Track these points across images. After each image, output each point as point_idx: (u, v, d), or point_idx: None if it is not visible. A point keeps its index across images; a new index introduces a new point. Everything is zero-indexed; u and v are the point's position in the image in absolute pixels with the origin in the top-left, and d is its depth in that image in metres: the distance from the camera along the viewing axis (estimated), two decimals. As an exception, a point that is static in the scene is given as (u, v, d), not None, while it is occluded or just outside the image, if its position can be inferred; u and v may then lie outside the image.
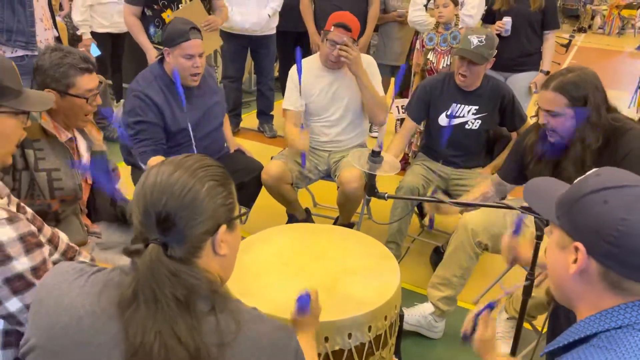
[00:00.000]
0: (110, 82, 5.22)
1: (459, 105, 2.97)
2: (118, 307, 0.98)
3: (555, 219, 1.07)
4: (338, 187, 3.04)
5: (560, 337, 1.04)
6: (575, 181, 1.07)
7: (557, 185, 1.16)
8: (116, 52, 5.10)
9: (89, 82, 1.96)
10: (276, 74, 6.25)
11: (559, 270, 1.06)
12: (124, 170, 2.97)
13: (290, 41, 5.02)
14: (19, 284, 1.33)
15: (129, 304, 0.97)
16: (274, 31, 4.81)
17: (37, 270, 1.37)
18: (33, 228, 1.40)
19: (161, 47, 3.62)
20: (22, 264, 1.33)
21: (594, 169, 1.06)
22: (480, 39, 2.80)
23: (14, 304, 1.34)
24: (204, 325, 0.98)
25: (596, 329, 0.98)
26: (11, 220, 1.33)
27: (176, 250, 1.01)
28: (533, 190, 1.21)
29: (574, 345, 1.00)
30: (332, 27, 2.94)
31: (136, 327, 0.95)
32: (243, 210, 1.23)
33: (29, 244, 1.36)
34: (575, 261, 1.00)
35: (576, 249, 1.00)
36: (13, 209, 1.49)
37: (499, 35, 3.86)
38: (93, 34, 4.80)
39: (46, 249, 1.43)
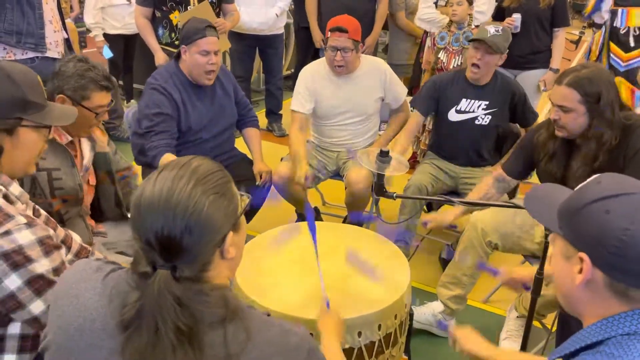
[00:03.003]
0: (121, 82, 5.26)
1: (469, 100, 2.96)
2: (120, 325, 0.96)
3: (558, 229, 1.05)
4: (346, 187, 3.04)
5: (566, 344, 1.03)
6: (576, 189, 1.06)
7: (558, 192, 1.14)
8: (128, 53, 5.13)
9: (104, 99, 2.00)
10: (287, 71, 6.26)
11: (565, 281, 1.05)
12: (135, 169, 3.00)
13: (311, 38, 5.00)
14: (41, 284, 1.35)
15: (129, 324, 0.95)
16: (282, 30, 4.84)
17: (58, 272, 1.39)
18: (50, 231, 1.42)
19: (169, 48, 3.66)
20: (42, 265, 1.35)
21: (595, 176, 1.05)
22: (497, 29, 2.82)
23: (37, 306, 1.36)
24: (210, 336, 0.96)
25: (603, 335, 0.97)
26: (29, 225, 1.36)
27: (185, 270, 0.97)
28: (534, 200, 1.19)
29: (580, 352, 0.99)
30: (329, 33, 2.96)
31: (134, 352, 0.94)
32: (244, 199, 1.19)
33: (48, 246, 1.38)
34: (580, 271, 0.99)
35: (581, 259, 0.99)
36: (30, 213, 1.51)
37: (508, 32, 3.86)
38: (105, 35, 4.84)
39: (63, 250, 1.45)
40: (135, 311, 0.95)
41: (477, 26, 3.85)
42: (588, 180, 1.05)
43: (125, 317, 0.96)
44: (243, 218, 1.11)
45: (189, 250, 0.97)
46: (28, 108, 1.44)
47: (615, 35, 3.82)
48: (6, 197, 1.40)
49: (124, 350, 0.95)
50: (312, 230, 1.49)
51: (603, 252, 0.95)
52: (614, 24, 3.82)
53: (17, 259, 1.32)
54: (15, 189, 1.46)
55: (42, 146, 1.53)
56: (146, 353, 0.93)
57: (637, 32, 3.70)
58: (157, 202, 0.96)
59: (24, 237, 1.34)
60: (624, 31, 3.76)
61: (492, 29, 2.82)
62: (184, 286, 0.96)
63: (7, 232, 1.32)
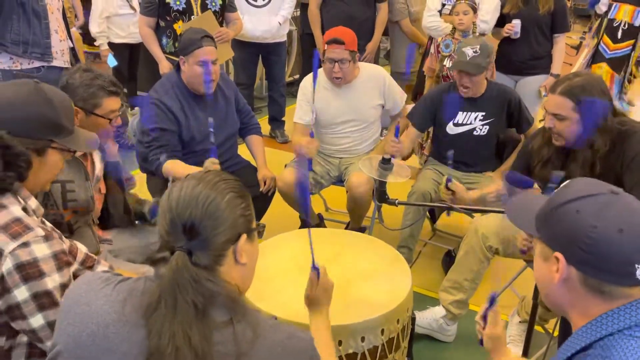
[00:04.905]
0: (125, 90, 5.30)
1: (465, 112, 2.99)
2: (143, 314, 1.02)
3: (536, 232, 1.12)
4: (347, 192, 3.07)
5: (559, 353, 1.08)
6: (551, 194, 1.13)
7: (536, 199, 1.21)
8: (132, 61, 5.19)
9: (114, 104, 2.05)
10: (290, 78, 6.30)
11: (545, 280, 1.11)
12: (140, 177, 3.02)
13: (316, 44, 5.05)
14: (45, 301, 1.37)
15: (153, 310, 1.01)
16: (285, 38, 4.88)
17: (65, 287, 1.40)
18: (65, 246, 1.45)
19: (173, 57, 3.70)
20: (53, 280, 1.38)
21: (567, 181, 1.13)
22: (474, 50, 2.83)
23: (37, 321, 1.38)
24: (221, 334, 1.01)
25: (590, 339, 1.02)
26: (47, 238, 1.39)
27: (200, 257, 1.06)
28: (514, 207, 1.26)
29: (573, 358, 1.04)
30: (326, 45, 2.99)
31: (156, 330, 1.00)
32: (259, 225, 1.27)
33: (61, 261, 1.40)
34: (557, 270, 1.05)
35: (557, 258, 1.05)
36: None
37: (508, 38, 3.89)
38: (110, 44, 4.89)
39: (74, 267, 1.48)
40: (157, 295, 1.02)
41: (480, 34, 3.89)
42: (561, 185, 1.12)
43: (148, 304, 1.02)
44: (257, 237, 1.20)
45: (205, 237, 1.07)
46: (60, 132, 1.51)
47: (609, 27, 4.30)
48: (25, 210, 1.43)
49: (149, 335, 1.00)
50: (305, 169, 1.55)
51: (575, 249, 1.02)
52: (609, 16, 4.29)
53: (30, 272, 1.34)
54: (32, 202, 1.49)
55: (61, 166, 1.59)
56: (165, 326, 0.99)
57: (626, 27, 4.20)
58: (183, 195, 1.09)
59: (41, 250, 1.36)
60: (616, 24, 4.24)
61: (470, 51, 2.83)
62: (199, 271, 1.04)
63: (26, 244, 1.35)
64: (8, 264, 1.33)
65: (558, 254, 1.04)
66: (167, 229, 1.08)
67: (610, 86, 4.24)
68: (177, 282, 1.02)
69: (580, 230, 1.01)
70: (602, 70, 4.34)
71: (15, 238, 1.35)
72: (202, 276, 1.04)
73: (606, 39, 4.35)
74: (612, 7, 4.29)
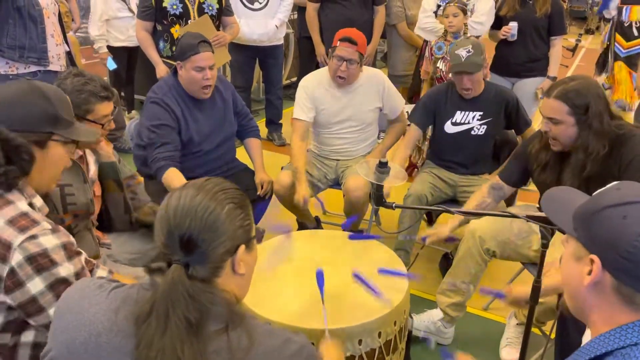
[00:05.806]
0: (122, 93, 5.31)
1: (463, 112, 2.99)
2: (135, 324, 1.01)
3: (572, 230, 1.07)
4: (344, 195, 3.07)
5: (575, 355, 1.04)
6: (595, 194, 1.08)
7: (575, 196, 1.17)
8: (130, 64, 5.20)
9: (106, 108, 2.05)
10: (287, 81, 6.31)
11: (573, 281, 1.07)
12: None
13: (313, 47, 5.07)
14: (62, 288, 1.36)
15: (144, 320, 1.00)
16: (282, 41, 4.89)
17: (79, 276, 1.43)
18: (72, 238, 1.46)
19: (170, 61, 3.70)
20: (65, 269, 1.39)
21: (614, 182, 1.07)
22: (467, 49, 2.83)
23: None
24: (216, 343, 1.00)
25: (611, 346, 0.98)
26: (54, 230, 1.41)
27: (198, 270, 1.05)
28: (551, 201, 1.22)
29: None
30: (338, 42, 2.98)
31: (145, 343, 0.99)
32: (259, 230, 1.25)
33: (70, 251, 1.42)
34: (589, 273, 1.01)
35: (592, 261, 1.01)
36: None
37: (505, 40, 3.90)
38: (109, 47, 4.90)
39: (83, 257, 1.49)
40: (149, 305, 1.01)
41: (474, 37, 3.90)
42: (607, 186, 1.07)
43: (140, 314, 1.01)
44: (256, 246, 1.19)
45: (204, 249, 1.05)
46: (58, 123, 1.53)
47: (620, 28, 4.60)
48: (31, 206, 1.45)
49: (139, 346, 0.99)
50: (320, 284, 1.65)
51: (615, 255, 0.97)
52: (620, 19, 4.57)
53: (42, 262, 1.35)
54: (37, 200, 1.50)
55: (67, 162, 1.60)
56: (154, 339, 0.98)
57: (639, 25, 4.51)
58: (182, 205, 1.06)
59: (49, 241, 1.38)
60: (627, 24, 4.52)
61: (463, 52, 2.83)
62: (195, 284, 1.02)
63: (34, 236, 1.36)
64: (18, 257, 1.33)
65: (594, 257, 1.00)
66: (164, 240, 1.06)
67: (630, 84, 4.55)
68: (171, 296, 1.00)
69: (624, 236, 0.96)
70: (621, 69, 4.61)
71: (23, 231, 1.36)
72: (198, 290, 1.02)
73: (619, 38, 4.58)
74: (624, 10, 4.52)
